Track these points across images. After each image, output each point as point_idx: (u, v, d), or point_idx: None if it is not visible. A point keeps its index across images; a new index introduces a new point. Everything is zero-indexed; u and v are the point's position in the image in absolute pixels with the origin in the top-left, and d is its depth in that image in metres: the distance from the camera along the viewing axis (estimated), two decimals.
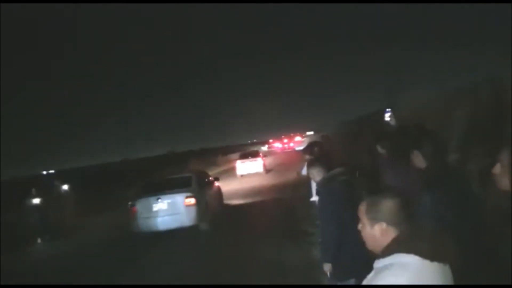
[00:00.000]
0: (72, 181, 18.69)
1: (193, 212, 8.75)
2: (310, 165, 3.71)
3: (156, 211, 8.76)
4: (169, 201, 8.79)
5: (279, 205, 10.97)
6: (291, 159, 24.87)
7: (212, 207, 9.91)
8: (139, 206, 8.90)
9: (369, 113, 14.04)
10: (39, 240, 11.44)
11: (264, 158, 22.52)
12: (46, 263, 8.88)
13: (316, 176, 3.58)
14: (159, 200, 8.80)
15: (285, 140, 46.41)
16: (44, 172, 52.13)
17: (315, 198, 4.33)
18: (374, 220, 1.50)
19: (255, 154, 22.67)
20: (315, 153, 6.73)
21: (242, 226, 9.30)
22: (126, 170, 29.23)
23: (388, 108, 9.88)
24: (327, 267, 3.39)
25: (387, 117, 9.74)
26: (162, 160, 38.37)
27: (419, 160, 2.94)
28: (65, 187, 17.13)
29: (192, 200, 8.80)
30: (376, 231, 1.49)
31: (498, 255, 3.40)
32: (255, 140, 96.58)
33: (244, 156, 22.31)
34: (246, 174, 20.60)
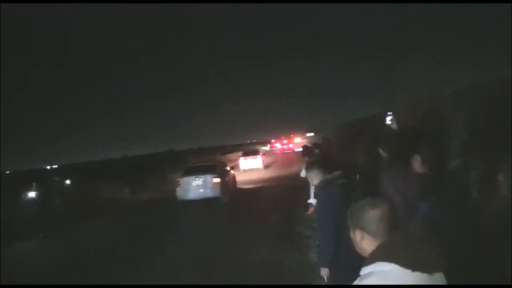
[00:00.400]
0: (73, 176, 18.79)
1: (217, 188, 12.64)
2: (308, 167, 3.65)
3: (194, 186, 12.70)
4: (202, 179, 12.68)
5: (273, 189, 14.88)
6: (287, 158, 29.17)
7: (229, 187, 13.98)
8: (183, 182, 12.85)
9: (369, 115, 14.20)
10: (35, 234, 11.25)
11: (263, 156, 26.47)
12: (41, 259, 8.80)
13: (314, 179, 3.52)
14: (196, 179, 12.72)
15: (285, 141, 46.44)
16: (48, 167, 52.21)
17: (312, 200, 4.28)
18: (354, 226, 1.53)
19: (255, 153, 27.02)
20: (314, 155, 6.69)
21: (249, 200, 13.17)
22: (126, 167, 29.22)
23: (389, 111, 9.82)
24: (324, 272, 3.33)
25: (389, 120, 9.69)
26: (162, 158, 38.36)
27: (419, 165, 2.90)
28: (67, 181, 17.23)
29: (218, 180, 12.74)
30: (356, 237, 1.52)
31: (496, 261, 3.36)
32: (254, 140, 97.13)
33: (246, 154, 26.48)
34: (248, 169, 24.07)
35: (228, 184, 13.89)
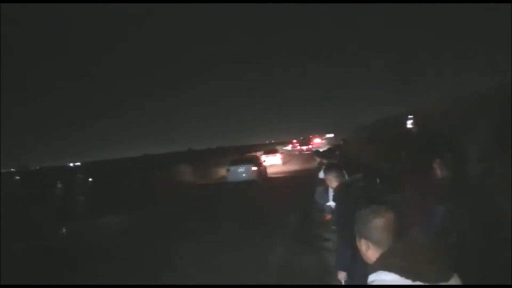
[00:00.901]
0: (95, 174, 19.11)
1: (255, 174, 18.54)
2: (327, 170, 3.61)
3: (239, 172, 18.53)
4: (245, 167, 18.63)
5: (289, 178, 20.22)
6: (301, 157, 35.23)
7: (262, 174, 20.05)
8: (231, 169, 18.87)
9: (389, 117, 14.21)
10: (50, 233, 11.11)
11: (281, 155, 33.09)
12: (55, 261, 8.73)
13: (333, 181, 3.48)
14: (240, 167, 18.68)
15: (304, 142, 47.11)
16: (71, 164, 53.27)
17: (331, 203, 4.25)
18: (359, 235, 1.47)
19: (275, 151, 33.88)
20: (334, 157, 6.60)
21: (275, 183, 19.06)
22: (147, 165, 29.65)
23: (410, 114, 9.68)
24: (342, 276, 3.30)
25: (409, 124, 9.55)
26: (182, 157, 38.78)
27: (440, 169, 2.87)
28: (90, 179, 17.50)
29: (255, 168, 18.77)
30: (362, 246, 1.47)
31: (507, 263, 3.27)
32: (273, 141, 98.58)
33: (268, 152, 32.81)
34: (269, 164, 28.00)
35: (262, 172, 19.99)
